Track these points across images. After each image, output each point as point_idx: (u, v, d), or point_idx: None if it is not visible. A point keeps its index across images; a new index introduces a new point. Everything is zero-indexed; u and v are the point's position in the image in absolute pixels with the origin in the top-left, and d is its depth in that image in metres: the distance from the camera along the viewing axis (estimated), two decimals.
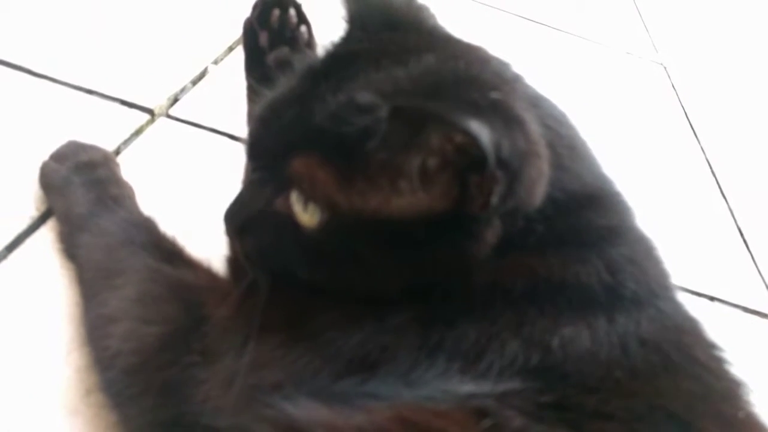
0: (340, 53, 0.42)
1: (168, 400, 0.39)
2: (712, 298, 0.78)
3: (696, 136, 1.13)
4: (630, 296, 0.37)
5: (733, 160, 1.08)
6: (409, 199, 0.36)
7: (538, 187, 0.37)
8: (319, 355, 0.37)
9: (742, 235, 0.91)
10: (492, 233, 0.37)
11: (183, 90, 0.81)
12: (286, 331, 0.39)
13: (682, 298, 0.73)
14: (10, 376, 0.47)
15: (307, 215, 0.38)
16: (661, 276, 0.41)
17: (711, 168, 1.05)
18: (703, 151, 1.09)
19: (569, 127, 0.43)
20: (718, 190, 1.00)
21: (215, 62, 0.87)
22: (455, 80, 0.37)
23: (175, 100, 0.79)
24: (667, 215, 0.92)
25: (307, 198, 0.38)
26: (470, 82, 0.37)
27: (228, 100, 0.72)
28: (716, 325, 0.71)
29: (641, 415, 0.32)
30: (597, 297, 0.37)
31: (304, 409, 0.33)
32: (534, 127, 0.37)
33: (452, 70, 0.38)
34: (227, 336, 0.41)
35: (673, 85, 1.31)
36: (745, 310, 0.78)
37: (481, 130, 0.30)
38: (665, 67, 1.38)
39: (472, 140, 0.30)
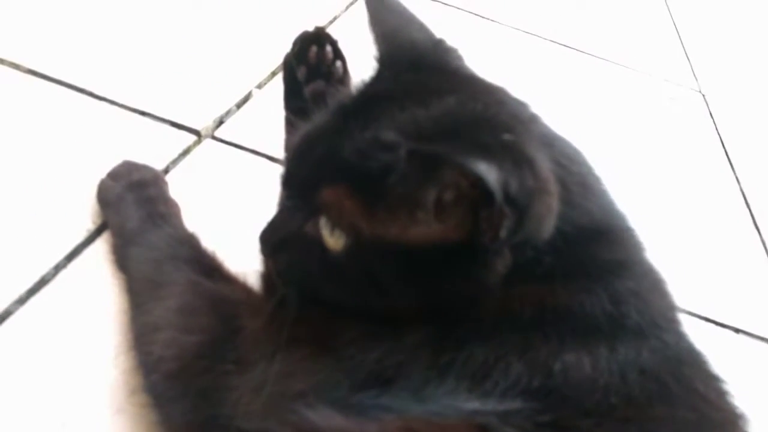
0: (369, 92, 0.46)
1: (203, 403, 0.43)
2: (737, 330, 0.78)
3: (732, 166, 1.13)
4: (632, 327, 0.40)
5: None
6: (425, 229, 0.39)
7: (546, 222, 0.40)
8: (340, 369, 0.40)
9: None
10: (502, 263, 0.40)
11: (228, 113, 0.86)
12: (311, 345, 0.43)
13: (705, 329, 0.74)
14: (65, 375, 0.52)
15: (333, 239, 0.42)
16: (666, 309, 0.43)
17: (745, 199, 1.04)
18: (738, 181, 1.09)
19: (582, 165, 0.45)
20: (752, 221, 0.99)
21: (259, 86, 0.93)
22: (471, 122, 0.40)
23: (221, 122, 0.84)
24: (698, 244, 0.92)
25: (334, 224, 0.42)
26: (485, 123, 0.40)
27: (269, 123, 0.77)
28: (740, 358, 0.72)
29: None
30: (600, 326, 0.39)
31: (323, 417, 0.36)
32: (544, 166, 0.40)
33: (470, 112, 0.41)
34: (258, 347, 0.45)
35: (711, 113, 1.30)
36: None
37: (488, 171, 0.34)
38: (704, 95, 1.38)
39: (480, 180, 0.33)
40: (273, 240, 0.47)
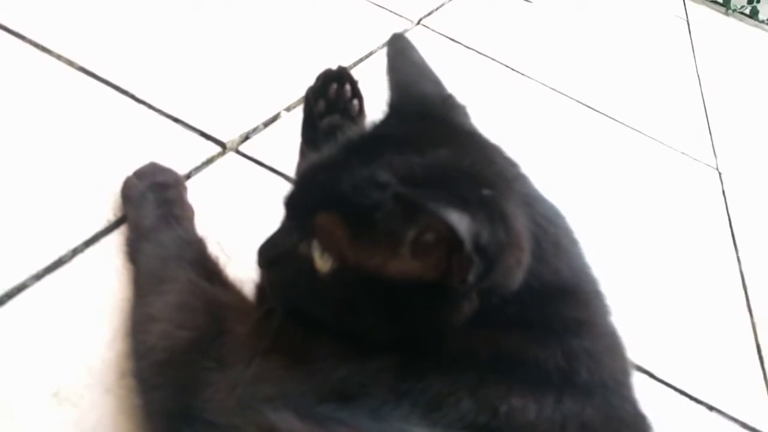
0: (375, 134, 0.50)
1: (182, 393, 0.47)
2: (711, 408, 0.79)
3: (735, 245, 1.15)
4: (581, 383, 0.43)
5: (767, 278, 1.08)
6: (403, 265, 0.43)
7: (515, 274, 0.43)
8: (308, 381, 0.44)
9: (759, 351, 0.91)
10: (469, 306, 0.43)
11: (255, 130, 0.92)
12: (287, 356, 0.47)
13: (678, 402, 0.76)
14: (65, 350, 0.56)
15: (321, 261, 0.46)
16: (618, 371, 0.45)
17: (743, 280, 1.06)
18: (738, 261, 1.10)
19: (558, 227, 0.49)
20: (746, 302, 1.01)
21: (287, 109, 0.98)
22: (458, 174, 0.44)
23: (246, 137, 0.90)
24: (688, 317, 0.94)
25: (324, 248, 0.46)
26: (470, 177, 0.44)
27: (291, 145, 0.82)
28: None
29: None
30: (550, 378, 0.42)
31: (283, 419, 0.39)
32: (519, 223, 0.44)
33: (458, 165, 0.45)
34: (240, 350, 0.49)
35: (723, 191, 1.33)
36: (743, 425, 0.79)
37: (460, 221, 0.38)
38: (720, 173, 1.40)
39: (449, 228, 0.37)
40: (269, 254, 0.51)
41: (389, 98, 0.53)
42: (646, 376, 0.80)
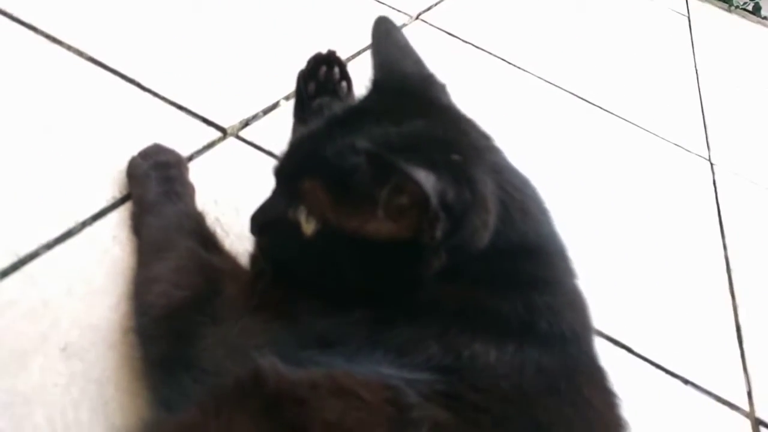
0: (357, 108, 0.55)
1: (178, 345, 0.52)
2: (686, 381, 0.83)
3: (722, 232, 1.18)
4: (540, 334, 0.46)
5: (752, 264, 1.11)
6: (379, 225, 0.47)
7: (480, 234, 0.47)
8: (292, 332, 0.48)
9: (739, 331, 0.94)
10: (438, 262, 0.47)
11: (254, 117, 0.97)
12: (274, 311, 0.51)
13: (653, 376, 0.79)
14: (73, 311, 0.61)
15: (307, 225, 0.51)
16: (577, 325, 0.49)
17: (728, 264, 1.09)
18: (725, 247, 1.13)
19: (526, 194, 0.52)
20: (728, 286, 1.04)
21: (286, 98, 1.03)
22: (429, 141, 0.48)
23: (246, 124, 0.95)
24: (671, 297, 0.97)
25: (309, 211, 0.50)
26: (441, 144, 0.48)
27: (290, 131, 0.87)
28: (679, 408, 0.77)
29: (512, 417, 0.40)
30: (511, 329, 0.46)
31: (268, 362, 0.44)
32: (485, 187, 0.48)
33: (431, 134, 0.49)
34: (232, 307, 0.53)
35: (714, 181, 1.36)
36: (717, 398, 0.82)
37: (426, 179, 0.42)
38: (712, 164, 1.43)
39: (417, 184, 0.41)
40: (260, 220, 0.55)
41: (372, 76, 0.58)
42: (624, 351, 0.83)
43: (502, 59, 1.48)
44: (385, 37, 0.61)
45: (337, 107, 0.56)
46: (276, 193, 0.55)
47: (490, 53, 1.49)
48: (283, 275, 0.53)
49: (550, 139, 1.27)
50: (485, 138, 0.54)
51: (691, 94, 1.77)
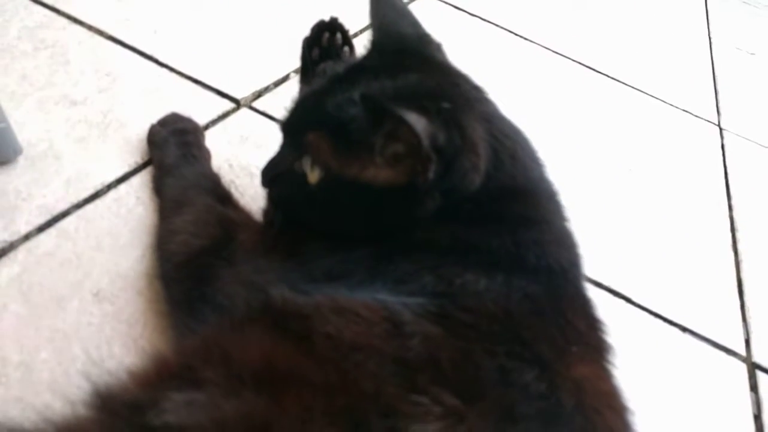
0: (357, 66, 0.59)
1: (198, 284, 0.57)
2: (684, 329, 0.86)
3: (728, 193, 1.19)
4: (528, 267, 0.50)
5: (757, 224, 1.13)
6: (376, 171, 0.51)
7: (471, 177, 0.51)
8: (301, 268, 0.53)
9: (740, 285, 0.97)
10: (432, 203, 0.51)
11: (266, 89, 1.01)
12: (284, 251, 0.55)
13: (651, 324, 0.83)
14: (104, 262, 0.66)
15: (312, 174, 0.55)
16: (564, 260, 0.53)
17: (733, 224, 1.11)
18: (730, 207, 1.15)
19: (516, 142, 0.56)
20: (732, 243, 1.06)
21: (296, 71, 1.07)
22: (422, 91, 0.52)
23: (259, 95, 0.99)
24: (675, 252, 1.00)
25: (314, 161, 0.55)
26: (432, 94, 0.52)
27: None
28: (678, 355, 0.80)
29: (498, 333, 0.44)
30: (501, 262, 0.50)
31: (278, 290, 0.48)
32: (476, 134, 0.51)
33: (424, 86, 0.53)
34: (246, 252, 0.58)
35: (723, 145, 1.37)
36: (714, 344, 0.85)
37: (417, 121, 0.46)
38: (721, 129, 1.44)
39: (409, 127, 0.45)
40: (270, 173, 0.60)
41: (371, 37, 0.61)
42: (622, 301, 0.86)
43: (511, 31, 1.50)
44: (383, 1, 0.64)
45: (338, 66, 0.60)
46: (283, 146, 0.59)
47: (498, 25, 1.50)
48: (292, 221, 0.58)
49: (557, 107, 1.29)
50: (477, 90, 0.58)
51: (704, 62, 1.77)
